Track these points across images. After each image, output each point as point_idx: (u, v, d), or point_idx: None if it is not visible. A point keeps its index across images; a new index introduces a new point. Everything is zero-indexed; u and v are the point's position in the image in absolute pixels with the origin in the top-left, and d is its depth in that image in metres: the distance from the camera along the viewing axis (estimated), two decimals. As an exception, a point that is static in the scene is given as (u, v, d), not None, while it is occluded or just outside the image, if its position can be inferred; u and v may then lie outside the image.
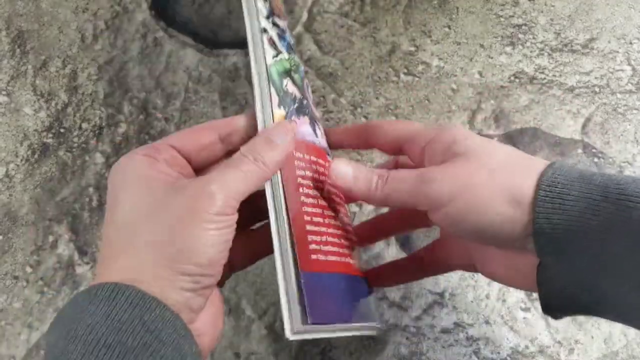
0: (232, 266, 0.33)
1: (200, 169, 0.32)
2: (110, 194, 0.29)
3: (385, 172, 0.33)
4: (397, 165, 0.39)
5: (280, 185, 0.31)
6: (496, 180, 0.30)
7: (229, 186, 0.28)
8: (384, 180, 0.32)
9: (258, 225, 0.35)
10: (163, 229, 0.27)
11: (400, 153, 0.36)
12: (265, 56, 0.34)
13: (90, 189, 0.49)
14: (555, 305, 0.31)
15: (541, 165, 0.30)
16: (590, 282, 0.28)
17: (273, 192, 0.31)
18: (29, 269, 0.47)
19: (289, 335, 0.29)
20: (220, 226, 0.28)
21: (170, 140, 0.31)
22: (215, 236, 0.27)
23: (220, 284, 0.32)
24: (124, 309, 0.25)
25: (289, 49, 0.37)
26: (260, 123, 0.32)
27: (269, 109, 0.32)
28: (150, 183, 0.28)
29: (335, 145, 0.38)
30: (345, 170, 0.33)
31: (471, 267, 0.36)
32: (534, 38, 0.55)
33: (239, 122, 0.33)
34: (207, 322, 0.29)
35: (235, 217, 0.29)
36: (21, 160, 0.50)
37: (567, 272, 0.29)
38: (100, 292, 0.25)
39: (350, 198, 0.37)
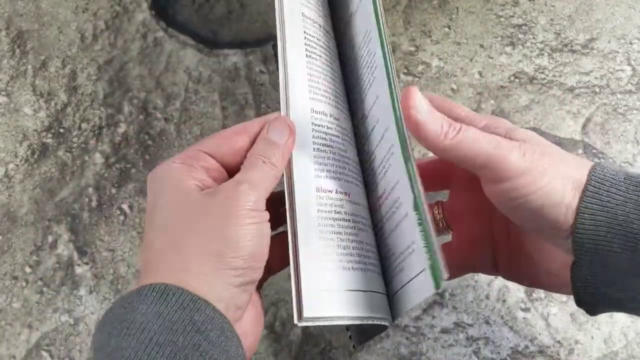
0: (269, 268, 0.34)
1: (234, 172, 0.33)
2: (150, 200, 0.31)
3: (458, 124, 0.31)
4: None
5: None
6: (561, 167, 0.30)
7: (256, 184, 0.30)
8: (457, 130, 0.30)
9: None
10: (205, 230, 0.28)
11: None
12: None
13: (90, 189, 0.49)
14: (589, 302, 0.31)
15: (589, 162, 0.31)
16: (626, 282, 0.29)
17: (289, 188, 0.32)
18: (28, 269, 0.47)
19: (296, 321, 0.30)
20: (257, 220, 0.29)
21: (204, 146, 0.32)
22: (254, 230, 0.29)
23: (259, 285, 0.33)
24: (175, 309, 0.26)
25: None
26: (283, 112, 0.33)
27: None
28: (188, 190, 0.30)
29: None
30: (421, 104, 0.30)
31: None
32: (534, 38, 0.55)
33: (262, 120, 0.34)
34: (250, 322, 0.31)
35: (267, 213, 0.30)
36: (21, 160, 0.50)
37: (602, 271, 0.29)
38: (150, 293, 0.26)
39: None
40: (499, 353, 0.44)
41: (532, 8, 0.56)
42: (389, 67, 0.32)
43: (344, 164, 0.35)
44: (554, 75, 0.53)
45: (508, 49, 0.54)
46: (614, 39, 0.54)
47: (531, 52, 0.54)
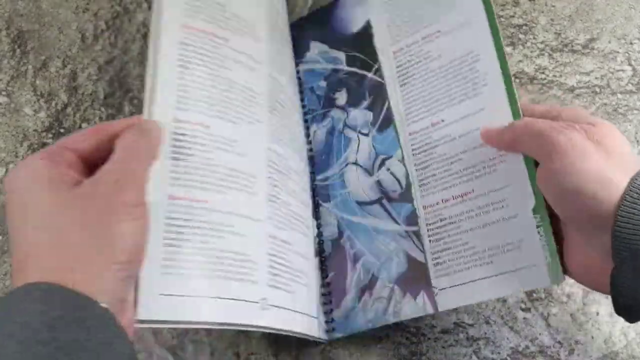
0: None
1: (93, 168, 0.33)
2: (13, 199, 0.31)
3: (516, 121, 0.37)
4: None
5: None
6: (613, 158, 0.32)
7: (134, 177, 0.32)
8: (515, 125, 0.36)
9: None
10: (86, 226, 0.29)
11: None
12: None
13: None
14: (627, 309, 0.31)
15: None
16: None
17: None
18: (28, 269, 0.46)
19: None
20: (138, 215, 0.31)
21: (64, 142, 0.33)
22: (136, 224, 0.30)
23: None
24: (58, 307, 0.26)
25: None
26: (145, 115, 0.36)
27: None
28: (56, 185, 0.30)
29: None
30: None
31: None
32: (534, 38, 0.55)
33: (123, 122, 0.36)
34: (130, 315, 0.31)
35: (148, 203, 0.32)
36: (21, 160, 0.50)
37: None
38: (33, 292, 0.27)
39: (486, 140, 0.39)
40: (499, 353, 0.44)
41: (533, 8, 0.56)
42: (510, 84, 0.39)
43: (209, 172, 0.36)
44: (555, 75, 0.53)
45: (508, 49, 0.54)
46: (615, 39, 0.54)
47: (531, 52, 0.54)
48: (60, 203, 0.29)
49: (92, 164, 0.33)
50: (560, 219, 0.35)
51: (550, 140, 0.33)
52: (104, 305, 0.27)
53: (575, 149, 0.32)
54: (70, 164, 0.32)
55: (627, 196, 0.30)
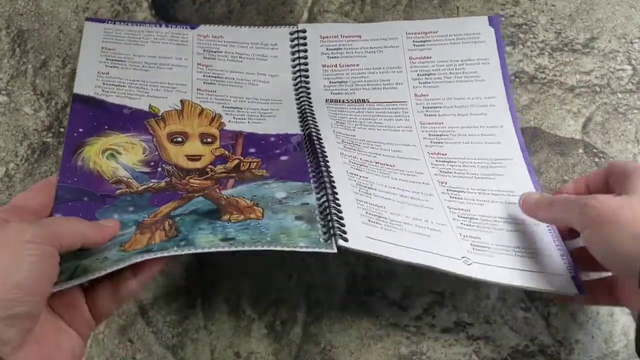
0: (97, 313, 0.36)
1: None
2: None
3: (553, 197, 0.41)
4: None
5: None
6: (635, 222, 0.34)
7: (49, 225, 0.32)
8: (550, 203, 0.40)
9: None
10: None
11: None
12: None
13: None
14: None
15: None
16: None
17: None
18: (28, 269, 0.46)
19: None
20: (35, 252, 0.30)
21: (16, 201, 0.37)
22: (28, 261, 0.29)
23: (86, 333, 0.35)
24: None
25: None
26: None
27: None
28: None
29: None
30: (531, 198, 0.42)
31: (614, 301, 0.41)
32: (534, 37, 0.55)
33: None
34: (66, 356, 0.32)
35: (54, 251, 0.31)
36: (21, 159, 0.50)
37: None
38: None
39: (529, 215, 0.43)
40: (499, 352, 0.44)
41: (533, 7, 0.56)
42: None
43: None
44: (555, 75, 0.53)
45: (508, 48, 0.54)
46: (615, 38, 0.54)
47: (531, 51, 0.54)
48: None
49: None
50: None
51: (580, 215, 0.36)
52: None
53: (604, 218, 0.34)
54: (23, 219, 0.35)
55: None
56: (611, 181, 0.40)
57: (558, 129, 0.51)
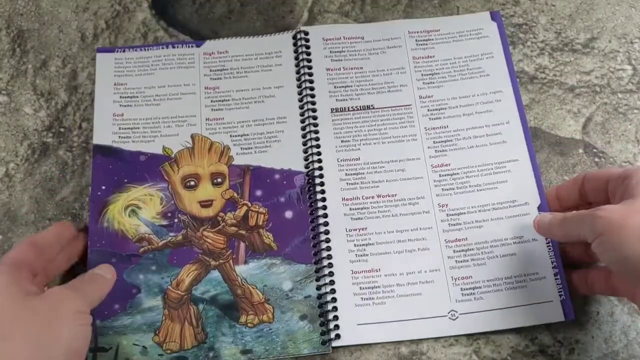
0: None
1: (48, 279, 0.41)
2: None
3: (562, 215, 0.41)
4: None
5: None
6: None
7: (83, 291, 0.38)
8: (562, 220, 0.41)
9: None
10: (34, 328, 0.33)
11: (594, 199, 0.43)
12: None
13: (90, 189, 0.49)
14: None
15: None
16: None
17: None
18: (28, 269, 0.46)
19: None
20: (82, 322, 0.35)
21: (18, 255, 0.38)
22: (79, 329, 0.35)
23: None
24: None
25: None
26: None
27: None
28: (14, 295, 0.34)
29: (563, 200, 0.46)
30: (544, 220, 0.43)
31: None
32: (534, 37, 0.55)
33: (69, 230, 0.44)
34: None
35: (91, 318, 0.37)
36: (21, 159, 0.50)
37: None
38: None
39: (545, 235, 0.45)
40: (499, 352, 0.44)
41: (533, 7, 0.56)
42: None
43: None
44: (555, 75, 0.53)
45: (509, 48, 0.54)
46: (615, 38, 0.54)
47: (532, 51, 0.54)
48: (15, 311, 0.34)
49: (48, 274, 0.41)
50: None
51: (590, 227, 0.37)
52: None
53: (613, 225, 0.35)
54: (27, 277, 0.37)
55: None
56: (611, 187, 0.40)
57: (558, 129, 0.51)
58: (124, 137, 0.49)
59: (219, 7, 0.56)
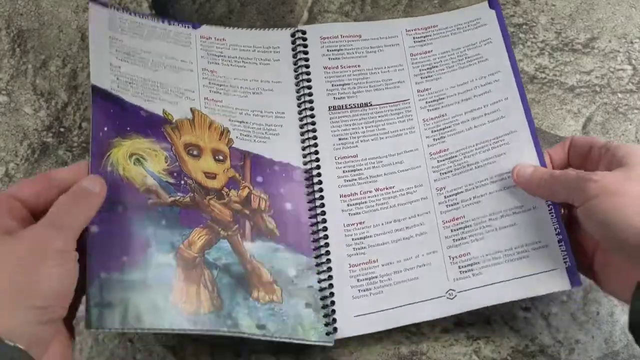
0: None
1: (39, 215, 0.35)
2: None
3: (550, 171, 0.41)
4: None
5: None
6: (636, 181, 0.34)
7: (65, 226, 0.33)
8: (550, 177, 0.40)
9: None
10: (7, 272, 0.31)
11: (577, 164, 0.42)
12: None
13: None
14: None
15: None
16: None
17: None
18: (28, 268, 0.46)
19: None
20: (62, 262, 0.32)
21: (10, 190, 0.35)
22: (59, 272, 0.32)
23: (70, 317, 0.36)
24: None
25: None
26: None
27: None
28: None
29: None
30: (525, 171, 0.42)
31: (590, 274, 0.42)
32: (534, 37, 0.55)
33: (70, 170, 0.38)
34: (56, 354, 0.33)
35: (76, 254, 0.33)
36: (21, 159, 0.50)
37: None
38: None
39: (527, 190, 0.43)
40: (499, 352, 0.44)
41: (533, 7, 0.56)
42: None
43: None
44: (555, 75, 0.53)
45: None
46: (615, 38, 0.54)
47: (532, 51, 0.54)
48: None
49: (38, 211, 0.35)
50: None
51: (581, 190, 0.36)
52: (10, 343, 0.29)
53: (609, 189, 0.35)
54: (13, 212, 0.34)
55: None
56: (593, 155, 0.40)
57: (558, 129, 0.51)
58: (123, 88, 0.44)
59: (219, 7, 0.56)
